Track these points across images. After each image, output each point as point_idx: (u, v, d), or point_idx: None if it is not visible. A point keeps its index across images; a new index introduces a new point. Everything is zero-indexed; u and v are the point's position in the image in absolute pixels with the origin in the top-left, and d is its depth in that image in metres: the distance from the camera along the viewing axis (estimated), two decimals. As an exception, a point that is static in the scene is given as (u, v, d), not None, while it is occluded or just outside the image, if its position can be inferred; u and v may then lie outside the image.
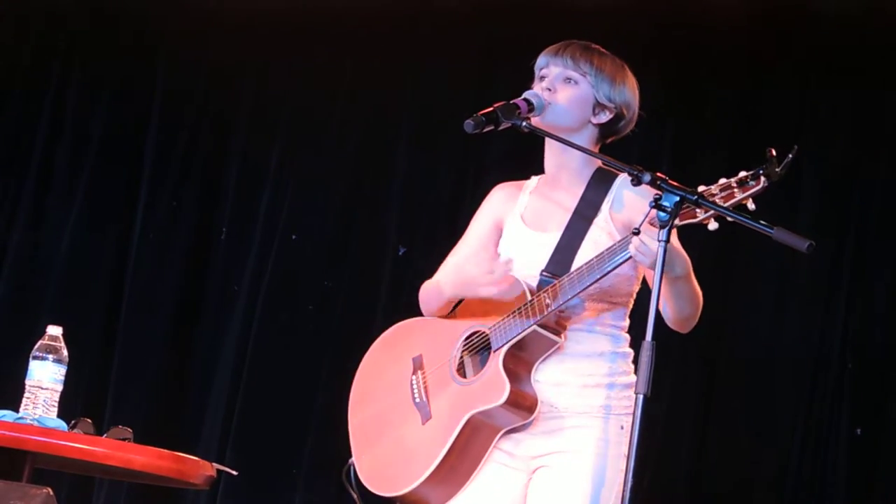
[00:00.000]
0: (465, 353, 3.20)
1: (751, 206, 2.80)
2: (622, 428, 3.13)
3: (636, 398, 2.73)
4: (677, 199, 2.78)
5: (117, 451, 3.15)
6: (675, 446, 4.95)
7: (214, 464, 3.41)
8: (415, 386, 3.23)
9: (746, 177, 2.78)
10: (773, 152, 2.74)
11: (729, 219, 2.78)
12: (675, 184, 2.81)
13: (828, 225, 4.94)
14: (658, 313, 2.75)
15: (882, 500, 4.73)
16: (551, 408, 3.11)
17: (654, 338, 2.74)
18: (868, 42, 5.00)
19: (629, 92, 3.26)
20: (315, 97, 5.68)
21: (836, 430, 4.80)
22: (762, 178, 2.75)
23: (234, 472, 3.67)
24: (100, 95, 5.91)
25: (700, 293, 3.08)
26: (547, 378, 3.12)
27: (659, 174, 2.82)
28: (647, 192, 2.93)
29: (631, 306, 3.22)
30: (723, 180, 2.82)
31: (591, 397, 3.12)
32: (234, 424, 5.44)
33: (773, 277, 4.99)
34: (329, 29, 5.68)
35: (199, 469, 3.31)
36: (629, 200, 3.14)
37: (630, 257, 2.93)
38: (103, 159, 5.83)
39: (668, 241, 2.78)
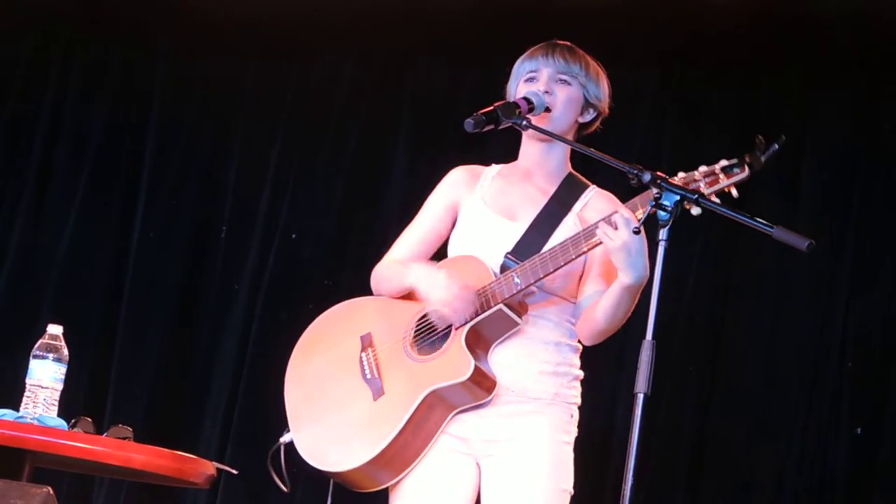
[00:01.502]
0: (420, 331, 3.22)
1: (734, 193, 2.85)
2: (572, 416, 3.21)
3: (636, 397, 2.73)
4: (677, 198, 2.79)
5: (117, 450, 3.14)
6: (676, 446, 4.95)
7: (215, 462, 3.41)
8: (365, 363, 3.24)
9: (731, 164, 2.82)
10: (762, 139, 2.77)
11: (729, 217, 2.79)
12: (674, 183, 2.82)
13: (828, 224, 4.94)
14: (657, 312, 2.75)
15: (882, 500, 4.73)
16: (507, 391, 3.15)
17: (654, 337, 2.74)
18: (868, 42, 5.00)
19: (608, 89, 3.33)
20: (315, 96, 5.68)
21: (836, 430, 4.80)
22: (746, 167, 2.79)
23: (235, 471, 3.66)
24: (99, 94, 5.91)
25: (628, 314, 3.10)
26: (504, 360, 3.16)
27: (659, 173, 2.83)
28: (614, 209, 3.07)
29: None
30: (703, 168, 2.86)
31: (546, 384, 3.17)
32: (234, 423, 5.44)
33: (773, 276, 5.00)
34: (329, 28, 5.68)
35: (199, 468, 3.31)
36: (600, 211, 3.17)
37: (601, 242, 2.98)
38: (103, 158, 5.83)
39: (668, 240, 2.78)
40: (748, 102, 5.15)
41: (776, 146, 2.77)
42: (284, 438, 3.28)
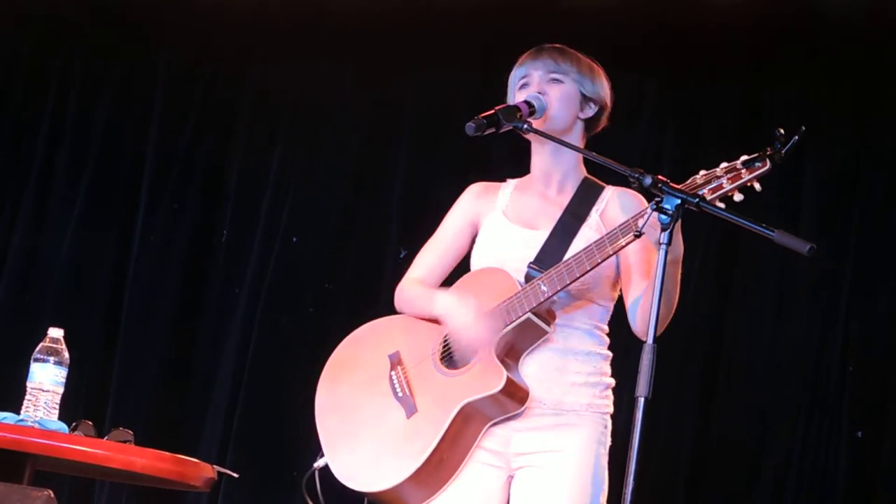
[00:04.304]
0: (449, 346, 3.20)
1: (757, 187, 2.83)
2: (606, 427, 3.19)
3: (637, 401, 2.73)
4: (678, 201, 2.78)
5: (118, 453, 3.15)
6: (675, 447, 4.95)
7: (215, 466, 3.41)
8: (395, 381, 3.22)
9: (752, 159, 2.81)
10: (782, 131, 2.76)
11: (731, 221, 2.79)
12: (676, 186, 2.81)
13: (829, 227, 4.94)
14: (656, 317, 2.74)
15: None
16: (540, 404, 3.14)
17: (655, 341, 2.74)
18: (869, 42, 5.00)
19: (606, 85, 3.33)
20: (316, 99, 5.69)
21: (837, 433, 4.80)
22: (767, 161, 2.78)
23: (235, 475, 3.67)
24: (100, 97, 5.91)
25: (678, 291, 3.07)
26: (536, 373, 3.15)
27: (660, 177, 2.83)
28: (638, 205, 3.13)
29: (611, 311, 3.25)
30: (725, 164, 2.84)
31: (579, 395, 3.16)
32: (234, 427, 5.44)
33: (775, 280, 4.99)
34: (330, 30, 5.68)
35: (199, 471, 3.31)
36: (618, 212, 3.19)
37: (628, 244, 2.97)
38: (104, 161, 5.84)
39: (669, 243, 2.77)
40: (749, 104, 5.15)
41: (796, 138, 2.76)
42: (318, 463, 3.25)
